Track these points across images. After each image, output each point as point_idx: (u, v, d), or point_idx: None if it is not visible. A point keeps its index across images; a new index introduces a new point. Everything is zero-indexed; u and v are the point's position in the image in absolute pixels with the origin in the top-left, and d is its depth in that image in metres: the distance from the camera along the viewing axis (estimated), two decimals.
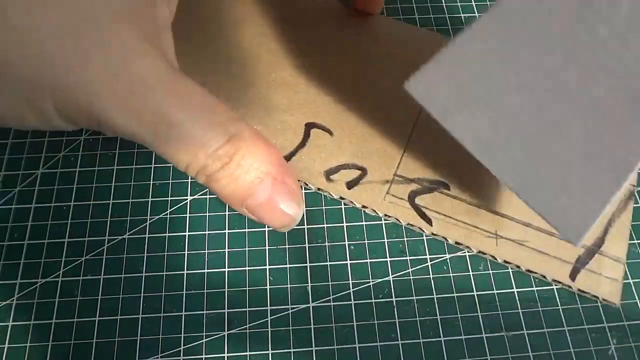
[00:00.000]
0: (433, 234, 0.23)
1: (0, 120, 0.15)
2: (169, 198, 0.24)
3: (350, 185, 0.23)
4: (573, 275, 0.22)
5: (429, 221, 0.23)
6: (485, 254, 0.22)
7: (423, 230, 0.23)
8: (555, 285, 0.22)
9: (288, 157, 0.24)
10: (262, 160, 0.16)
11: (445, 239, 0.23)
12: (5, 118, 0.15)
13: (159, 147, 0.15)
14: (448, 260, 0.23)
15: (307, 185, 0.24)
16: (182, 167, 0.16)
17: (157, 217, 0.23)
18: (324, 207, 0.24)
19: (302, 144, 0.24)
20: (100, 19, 0.14)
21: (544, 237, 0.22)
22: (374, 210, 0.23)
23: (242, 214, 0.17)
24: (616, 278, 0.22)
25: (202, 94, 0.15)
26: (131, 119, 0.15)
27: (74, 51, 0.14)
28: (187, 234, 0.23)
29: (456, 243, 0.23)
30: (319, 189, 0.24)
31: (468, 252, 0.22)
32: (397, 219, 0.23)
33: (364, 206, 0.23)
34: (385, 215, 0.23)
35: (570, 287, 0.22)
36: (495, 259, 0.22)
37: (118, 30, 0.14)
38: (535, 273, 0.22)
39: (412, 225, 0.23)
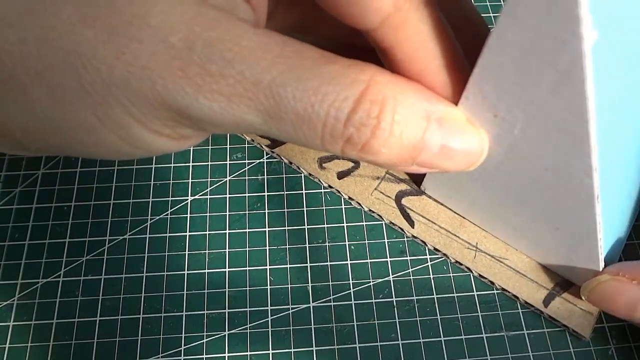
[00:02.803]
0: (413, 236, 0.23)
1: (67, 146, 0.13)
2: (170, 198, 0.24)
3: (341, 175, 0.24)
4: (547, 301, 0.21)
5: (411, 223, 0.23)
6: (461, 264, 0.22)
7: (404, 231, 0.23)
8: (526, 309, 0.22)
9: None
10: (416, 102, 0.13)
11: (425, 244, 0.23)
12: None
13: (274, 130, 0.13)
14: (448, 260, 0.23)
15: (300, 169, 0.24)
16: (315, 146, 0.13)
17: (158, 217, 0.23)
18: (324, 207, 0.24)
19: None
20: None
21: (525, 258, 0.22)
22: (359, 204, 0.23)
23: (410, 172, 0.14)
24: (591, 312, 0.21)
25: (299, 47, 0.12)
26: (220, 101, 0.12)
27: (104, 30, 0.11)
28: (187, 234, 0.23)
29: (435, 249, 0.22)
30: (310, 174, 0.24)
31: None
32: (380, 216, 0.23)
33: (350, 198, 0.23)
34: (370, 210, 0.23)
35: (541, 312, 0.21)
36: (471, 271, 0.22)
37: None
38: (509, 292, 0.21)
39: (393, 224, 0.23)
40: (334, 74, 0.12)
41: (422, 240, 0.23)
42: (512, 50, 0.13)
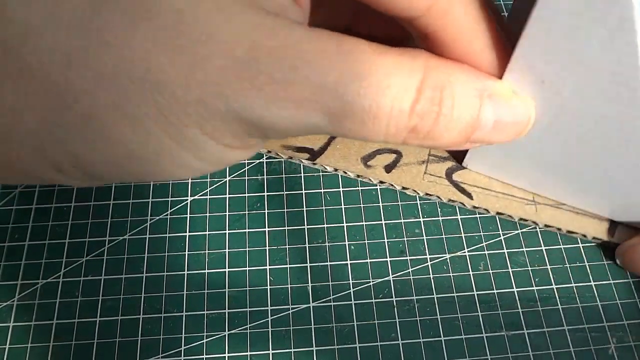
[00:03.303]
0: (474, 207, 0.23)
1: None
2: (170, 198, 0.24)
3: (389, 168, 0.24)
4: (612, 231, 0.22)
5: (469, 195, 0.23)
6: (526, 220, 0.23)
7: (464, 205, 0.23)
8: (595, 242, 0.23)
9: (324, 148, 0.24)
10: (469, 82, 0.13)
11: (487, 211, 0.23)
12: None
13: (338, 129, 0.13)
14: (448, 260, 0.23)
15: (347, 173, 0.24)
16: (378, 140, 0.13)
17: (158, 217, 0.23)
18: (324, 208, 0.24)
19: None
20: None
21: (580, 198, 0.23)
22: (414, 191, 0.24)
23: (458, 149, 0.14)
24: None
25: (352, 43, 0.12)
26: (290, 108, 0.12)
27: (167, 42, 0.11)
28: (187, 234, 0.23)
29: (497, 213, 0.23)
30: (358, 175, 0.24)
31: (468, 252, 0.22)
32: (438, 197, 0.23)
33: (404, 188, 0.24)
34: (426, 194, 0.24)
35: (609, 242, 0.22)
36: (537, 224, 0.23)
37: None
38: (576, 233, 0.22)
39: (453, 201, 0.23)
40: (392, 65, 0.12)
41: (484, 209, 0.23)
42: (560, 15, 0.13)
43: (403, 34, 0.19)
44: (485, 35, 0.15)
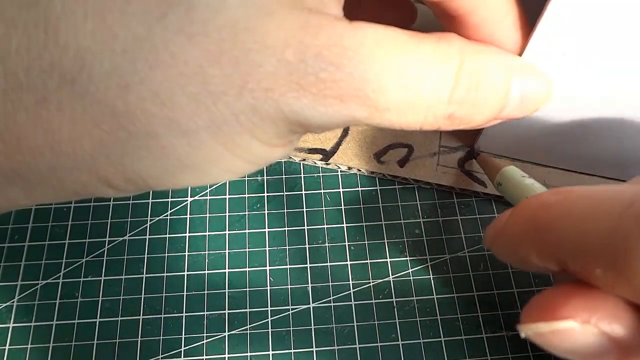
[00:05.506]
0: (488, 194, 0.24)
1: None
2: (169, 199, 0.24)
3: (402, 163, 0.24)
4: None
5: (482, 183, 0.23)
6: None
7: (478, 193, 0.24)
8: None
9: (336, 147, 0.24)
10: (498, 64, 0.14)
11: (499, 198, 0.23)
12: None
13: (378, 120, 0.13)
14: (448, 260, 0.23)
15: (361, 171, 0.24)
16: (414, 128, 0.13)
17: (158, 218, 0.23)
18: (324, 208, 0.24)
19: (345, 133, 0.25)
20: None
21: (589, 182, 0.23)
22: (428, 183, 0.24)
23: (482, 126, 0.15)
24: None
25: (389, 33, 0.12)
26: (335, 104, 0.12)
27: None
28: (187, 235, 0.23)
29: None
30: (372, 172, 0.24)
31: (468, 252, 0.23)
32: (451, 187, 0.24)
33: (417, 180, 0.24)
34: (438, 185, 0.24)
35: None
36: None
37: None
38: None
39: (465, 190, 0.24)
40: (429, 54, 0.13)
41: (498, 195, 0.23)
42: None
43: (404, 20, 0.20)
44: (512, 14, 0.15)
